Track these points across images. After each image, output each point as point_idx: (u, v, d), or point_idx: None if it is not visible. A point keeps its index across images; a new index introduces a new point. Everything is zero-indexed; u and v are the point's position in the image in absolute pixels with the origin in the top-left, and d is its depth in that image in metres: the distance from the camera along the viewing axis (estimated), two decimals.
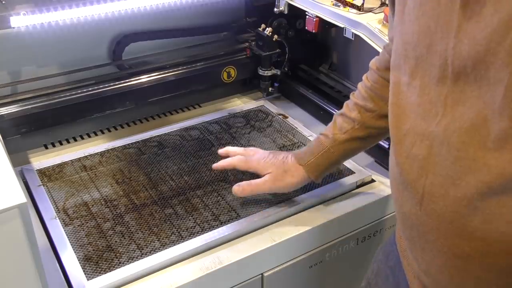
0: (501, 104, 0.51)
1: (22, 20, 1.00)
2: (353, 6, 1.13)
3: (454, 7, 0.55)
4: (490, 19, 0.51)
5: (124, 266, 0.86)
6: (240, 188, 0.96)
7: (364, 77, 0.95)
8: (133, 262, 0.87)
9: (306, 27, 1.24)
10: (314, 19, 1.20)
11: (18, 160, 1.13)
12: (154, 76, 1.28)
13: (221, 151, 1.06)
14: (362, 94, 0.93)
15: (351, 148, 0.94)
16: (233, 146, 1.11)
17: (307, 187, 1.05)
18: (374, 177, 1.11)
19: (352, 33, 1.10)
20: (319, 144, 0.95)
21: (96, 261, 0.87)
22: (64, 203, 1.00)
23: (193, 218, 0.96)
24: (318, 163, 0.94)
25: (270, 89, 1.41)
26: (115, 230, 0.94)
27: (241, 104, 1.41)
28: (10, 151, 1.02)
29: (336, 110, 1.26)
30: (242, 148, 1.04)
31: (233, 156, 1.02)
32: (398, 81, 0.66)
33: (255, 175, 0.99)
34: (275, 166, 0.96)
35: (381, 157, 1.15)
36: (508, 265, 0.56)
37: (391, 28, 0.83)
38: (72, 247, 0.90)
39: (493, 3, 0.51)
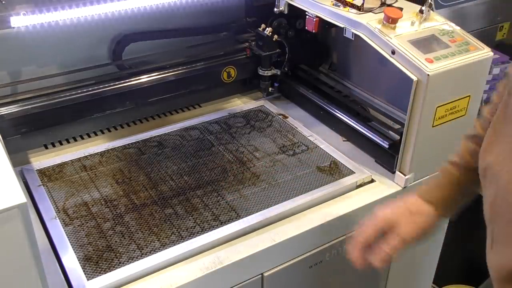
0: None
1: (22, 20, 1.00)
2: (353, 6, 1.13)
3: None
4: None
5: (124, 266, 0.86)
6: (379, 260, 0.81)
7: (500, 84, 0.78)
8: (133, 262, 0.87)
9: (306, 27, 1.24)
10: (314, 19, 1.20)
11: (18, 160, 1.13)
12: (154, 76, 1.28)
13: (350, 243, 0.87)
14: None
15: None
16: (233, 145, 1.10)
17: (307, 187, 1.05)
18: (374, 177, 1.11)
19: (352, 33, 1.10)
20: (447, 174, 0.82)
21: (96, 261, 0.87)
22: (64, 203, 1.00)
23: (193, 218, 0.96)
24: (449, 196, 0.81)
25: (270, 89, 1.41)
26: (115, 230, 0.94)
27: (241, 104, 1.41)
28: (10, 151, 1.02)
29: (336, 110, 1.26)
30: (363, 226, 0.86)
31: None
32: (508, 103, 0.60)
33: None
34: (400, 213, 0.83)
35: (381, 157, 1.15)
36: None
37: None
38: (72, 247, 0.90)
39: None
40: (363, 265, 0.84)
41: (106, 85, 1.23)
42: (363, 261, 0.84)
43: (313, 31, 1.22)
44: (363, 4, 1.11)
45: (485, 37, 1.04)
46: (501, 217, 0.59)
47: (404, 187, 1.09)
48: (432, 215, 0.82)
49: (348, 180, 1.08)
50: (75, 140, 1.25)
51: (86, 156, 1.14)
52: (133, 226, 0.94)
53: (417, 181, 1.11)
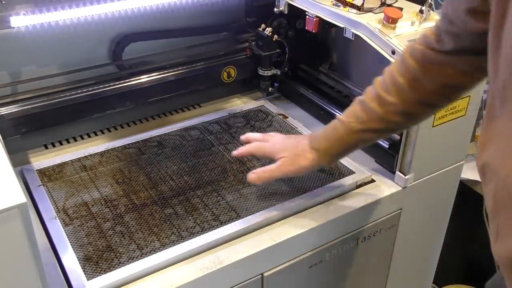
0: None
1: (22, 20, 1.00)
2: (353, 6, 1.13)
3: None
4: None
5: (124, 266, 0.86)
6: (255, 175, 0.96)
7: (394, 63, 0.89)
8: (133, 262, 0.87)
9: (306, 27, 1.24)
10: (314, 19, 1.20)
11: (18, 160, 1.13)
12: (154, 76, 1.28)
13: (242, 137, 1.06)
14: (386, 84, 0.88)
15: (367, 138, 0.93)
16: (233, 145, 1.11)
17: (307, 187, 1.05)
18: (374, 177, 1.11)
19: (352, 33, 1.10)
20: (334, 130, 0.93)
21: (96, 261, 0.87)
22: (64, 203, 1.00)
23: (193, 218, 0.97)
24: (331, 149, 0.94)
25: (270, 89, 1.41)
26: (115, 230, 0.94)
27: (241, 104, 1.41)
28: (10, 151, 1.02)
29: (336, 110, 1.26)
30: (261, 134, 1.04)
31: (252, 142, 1.02)
32: (493, 104, 0.62)
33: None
34: (288, 151, 0.96)
35: (381, 157, 1.15)
36: None
37: (446, 22, 0.77)
38: (72, 247, 0.90)
39: None
40: (236, 156, 1.04)
41: (106, 85, 1.23)
42: (238, 156, 1.04)
43: (313, 31, 1.22)
44: (363, 4, 1.11)
45: None
46: (504, 209, 0.60)
47: (404, 187, 1.09)
48: (313, 162, 0.95)
49: (348, 180, 1.08)
50: (75, 140, 1.25)
51: (86, 156, 1.14)
52: (133, 226, 0.94)
53: (417, 181, 1.11)
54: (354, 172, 1.10)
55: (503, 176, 0.58)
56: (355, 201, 1.05)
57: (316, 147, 0.95)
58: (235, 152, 1.03)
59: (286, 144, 0.98)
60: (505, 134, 0.58)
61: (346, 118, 0.93)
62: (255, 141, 1.02)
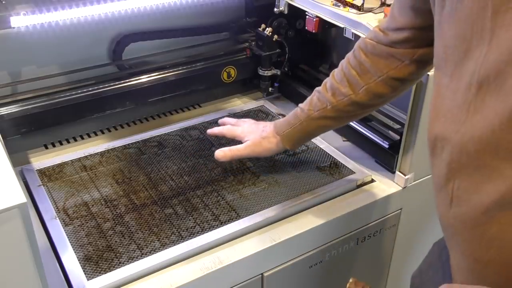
0: (510, 115, 0.52)
1: (22, 20, 1.00)
2: (353, 6, 1.13)
3: (486, 14, 0.54)
4: None
5: (124, 266, 0.86)
6: (222, 152, 1.04)
7: (347, 57, 0.95)
8: (133, 262, 0.87)
9: (306, 27, 1.24)
10: (314, 19, 1.20)
11: (18, 160, 1.13)
12: (154, 76, 1.28)
13: (220, 120, 1.18)
14: (340, 75, 0.95)
15: (323, 125, 1.00)
16: (234, 145, 1.11)
17: (307, 187, 1.05)
18: (374, 177, 1.11)
19: (352, 33, 1.10)
20: (295, 117, 1.01)
21: (96, 261, 0.87)
22: (64, 203, 1.00)
23: (193, 218, 0.97)
24: (293, 134, 1.01)
25: (270, 89, 1.41)
26: (115, 230, 0.94)
27: (241, 104, 1.41)
28: (10, 151, 1.02)
29: None
30: (235, 120, 1.15)
31: (226, 125, 1.13)
32: (439, 82, 0.65)
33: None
34: (255, 134, 1.05)
35: (381, 157, 1.15)
36: None
37: (398, 15, 0.84)
38: (72, 247, 0.90)
39: None
40: (209, 134, 1.15)
41: (106, 85, 1.23)
42: (211, 134, 1.15)
43: (313, 31, 1.22)
44: (363, 4, 1.11)
45: None
46: (461, 172, 0.60)
47: (404, 187, 1.09)
48: (277, 145, 1.03)
49: (348, 180, 1.08)
50: (75, 140, 1.25)
51: (86, 156, 1.14)
52: (133, 226, 0.94)
53: (417, 181, 1.11)
54: (354, 172, 1.10)
55: (457, 141, 0.59)
56: (355, 201, 1.05)
57: (279, 132, 1.02)
58: (209, 131, 1.13)
59: (253, 128, 1.07)
60: (452, 105, 0.61)
61: (305, 106, 1.00)
62: (227, 125, 1.12)
